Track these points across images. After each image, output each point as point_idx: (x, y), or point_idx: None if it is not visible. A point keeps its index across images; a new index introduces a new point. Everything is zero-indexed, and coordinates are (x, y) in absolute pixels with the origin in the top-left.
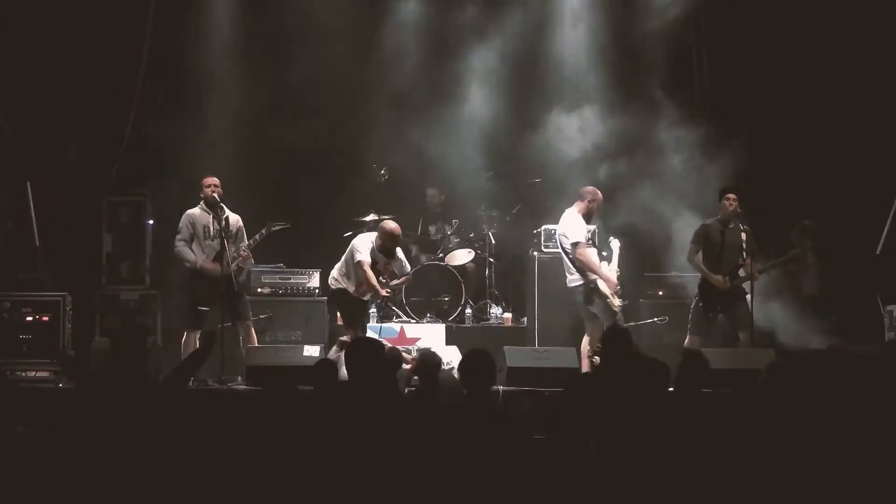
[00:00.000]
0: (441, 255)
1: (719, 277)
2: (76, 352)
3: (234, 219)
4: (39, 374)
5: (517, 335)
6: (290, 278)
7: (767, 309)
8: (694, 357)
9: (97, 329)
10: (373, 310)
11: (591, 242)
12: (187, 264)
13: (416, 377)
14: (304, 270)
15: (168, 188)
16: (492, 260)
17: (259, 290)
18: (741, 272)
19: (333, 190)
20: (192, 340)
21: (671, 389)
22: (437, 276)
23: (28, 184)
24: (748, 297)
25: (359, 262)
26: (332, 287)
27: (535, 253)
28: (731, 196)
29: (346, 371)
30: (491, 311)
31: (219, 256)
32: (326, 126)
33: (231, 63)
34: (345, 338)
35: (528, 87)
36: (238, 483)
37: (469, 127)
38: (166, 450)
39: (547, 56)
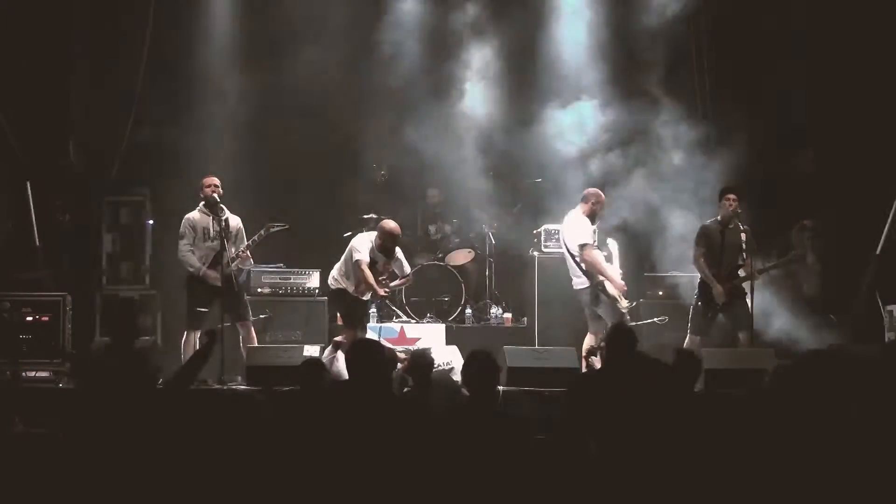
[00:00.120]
0: (441, 255)
1: (720, 289)
2: (76, 352)
3: (234, 220)
4: (39, 373)
5: (517, 335)
6: (290, 278)
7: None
8: (686, 357)
9: (97, 329)
10: (373, 310)
11: (596, 244)
12: (191, 269)
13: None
14: (304, 270)
15: (168, 188)
16: (492, 260)
17: (259, 290)
18: (741, 272)
19: (333, 190)
20: (192, 340)
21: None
22: (437, 276)
23: (28, 184)
24: (748, 297)
25: (357, 261)
26: (332, 287)
27: (535, 253)
28: (732, 196)
29: (339, 371)
30: (491, 311)
31: (218, 258)
32: (326, 126)
33: (231, 63)
34: (339, 338)
35: (528, 85)
36: (237, 483)
37: (469, 126)
38: (167, 450)
39: (547, 54)
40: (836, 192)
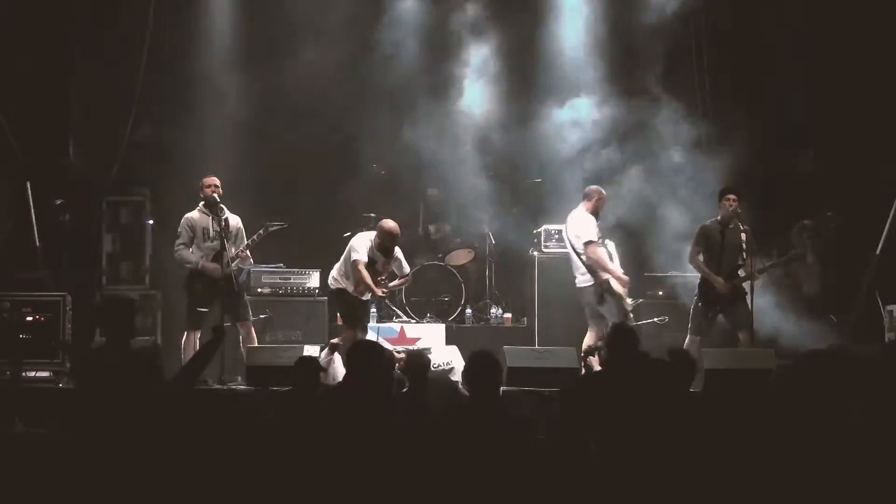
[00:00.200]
0: (441, 255)
1: (721, 280)
2: (76, 352)
3: (234, 219)
4: (40, 373)
5: (517, 335)
6: (290, 278)
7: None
8: (680, 356)
9: (97, 329)
10: (373, 310)
11: (601, 241)
12: (188, 265)
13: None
14: (304, 270)
15: (168, 188)
16: (492, 260)
17: (259, 290)
18: (741, 272)
19: (333, 190)
20: (192, 341)
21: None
22: (437, 276)
23: (28, 184)
24: (748, 297)
25: (354, 261)
26: (332, 287)
27: (535, 253)
28: (732, 196)
29: (335, 374)
30: (491, 311)
31: (218, 258)
32: (326, 126)
33: (231, 63)
34: (336, 340)
35: (528, 83)
36: (237, 483)
37: (468, 125)
38: (166, 450)
39: (546, 52)
40: (836, 192)
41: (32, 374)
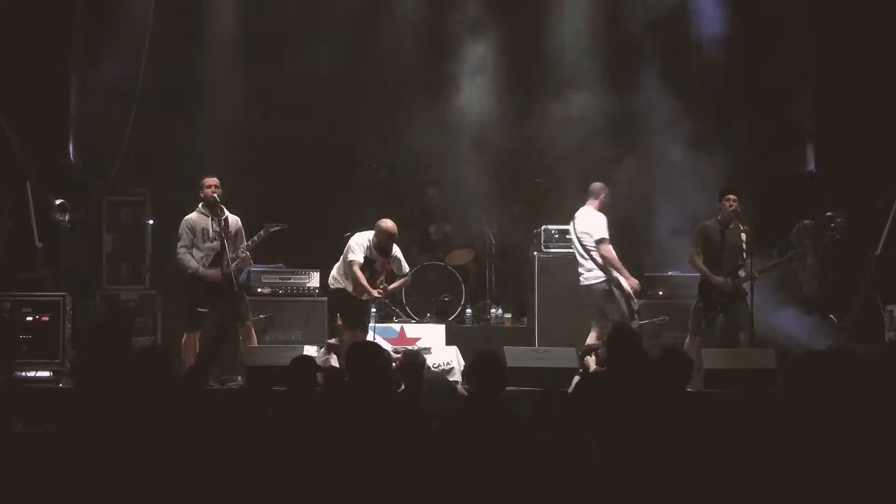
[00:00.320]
0: (441, 255)
1: (720, 279)
2: (76, 352)
3: (234, 220)
4: (40, 373)
5: (517, 335)
6: (290, 278)
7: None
8: (675, 355)
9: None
10: (373, 310)
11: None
12: (189, 271)
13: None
14: (304, 270)
15: (168, 188)
16: (492, 260)
17: (259, 290)
18: (741, 272)
19: (333, 190)
20: (192, 341)
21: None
22: (437, 276)
23: (28, 184)
24: (748, 297)
25: (350, 261)
26: (332, 287)
27: (535, 253)
28: (732, 196)
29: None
30: (491, 311)
31: (218, 258)
32: (325, 125)
33: (230, 63)
34: (333, 340)
35: (526, 80)
36: (236, 482)
37: (467, 124)
38: (167, 449)
39: (545, 49)
40: (836, 192)
41: (32, 374)
